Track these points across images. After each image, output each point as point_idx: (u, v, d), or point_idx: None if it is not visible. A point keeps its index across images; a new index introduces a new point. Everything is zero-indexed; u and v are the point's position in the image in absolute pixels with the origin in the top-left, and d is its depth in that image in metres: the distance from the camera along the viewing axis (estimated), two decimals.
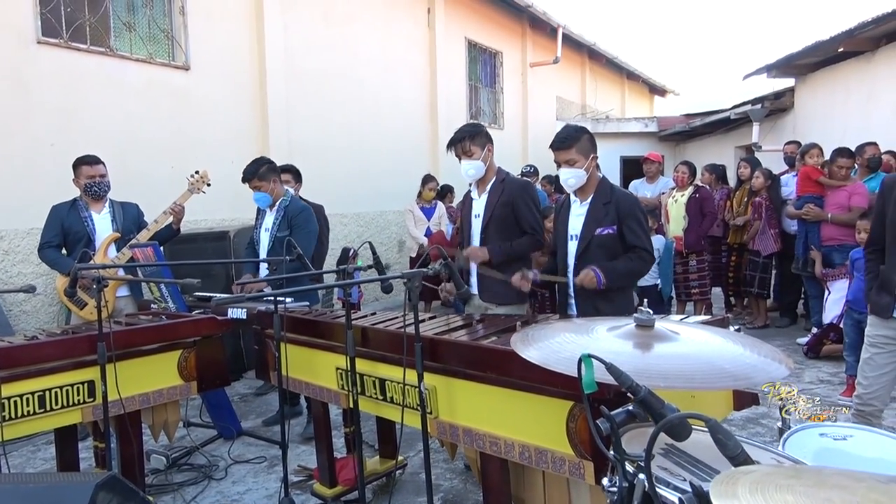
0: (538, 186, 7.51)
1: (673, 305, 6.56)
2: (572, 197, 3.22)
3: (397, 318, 2.85)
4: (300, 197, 5.12)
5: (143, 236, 4.21)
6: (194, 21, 6.46)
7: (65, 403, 2.67)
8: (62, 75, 5.45)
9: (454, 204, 8.17)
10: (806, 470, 1.01)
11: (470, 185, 3.57)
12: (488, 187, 3.45)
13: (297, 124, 7.51)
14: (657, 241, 5.77)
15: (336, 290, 5.02)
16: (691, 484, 1.16)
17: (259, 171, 4.20)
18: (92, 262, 3.90)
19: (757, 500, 0.81)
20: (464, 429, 2.26)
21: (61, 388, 2.66)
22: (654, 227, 5.90)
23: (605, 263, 2.97)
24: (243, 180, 4.24)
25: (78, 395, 2.71)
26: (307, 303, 3.77)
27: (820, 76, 9.15)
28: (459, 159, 3.42)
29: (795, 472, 0.95)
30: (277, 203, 4.30)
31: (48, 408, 2.63)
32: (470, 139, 3.38)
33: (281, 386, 2.91)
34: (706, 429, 1.13)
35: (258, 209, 4.46)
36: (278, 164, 4.65)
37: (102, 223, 4.25)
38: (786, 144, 7.48)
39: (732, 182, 8.10)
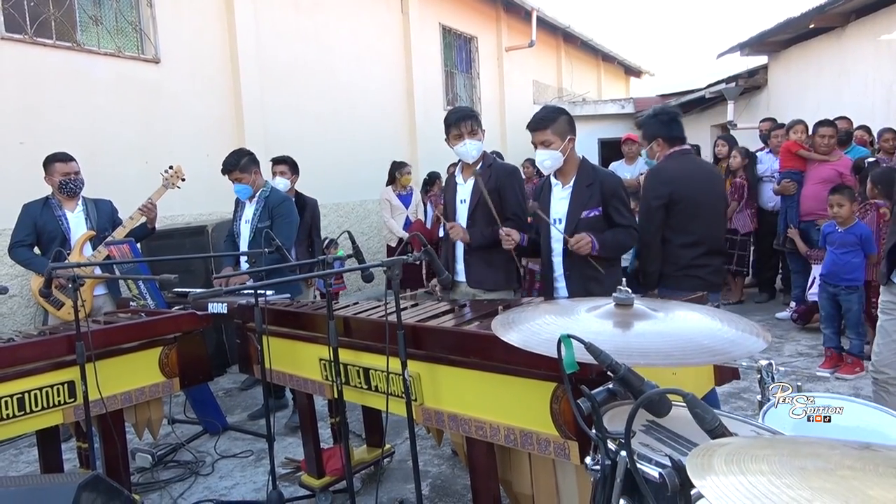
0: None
1: None
2: (553, 180, 3.22)
3: (379, 306, 2.84)
4: (297, 191, 5.11)
5: (119, 234, 4.15)
6: (162, 13, 6.34)
7: (45, 405, 2.64)
8: (28, 72, 5.33)
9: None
10: (781, 440, 1.03)
11: (449, 169, 3.56)
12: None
13: (272, 115, 7.43)
14: None
15: (316, 280, 4.99)
16: (671, 458, 1.17)
17: (240, 163, 4.17)
18: (67, 261, 3.84)
19: (732, 472, 0.82)
20: (449, 414, 2.26)
21: (41, 389, 2.62)
22: (635, 209, 5.91)
23: (596, 234, 3.00)
24: (223, 172, 4.20)
25: (58, 396, 2.67)
26: (288, 295, 3.74)
27: (792, 53, 9.22)
28: (461, 138, 3.36)
29: (770, 442, 0.97)
30: (258, 194, 4.27)
31: (28, 410, 2.59)
32: (474, 120, 3.39)
33: (265, 379, 2.89)
34: (685, 404, 1.14)
35: (237, 201, 4.42)
36: (265, 156, 4.61)
37: (77, 221, 4.19)
38: (761, 122, 7.54)
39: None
